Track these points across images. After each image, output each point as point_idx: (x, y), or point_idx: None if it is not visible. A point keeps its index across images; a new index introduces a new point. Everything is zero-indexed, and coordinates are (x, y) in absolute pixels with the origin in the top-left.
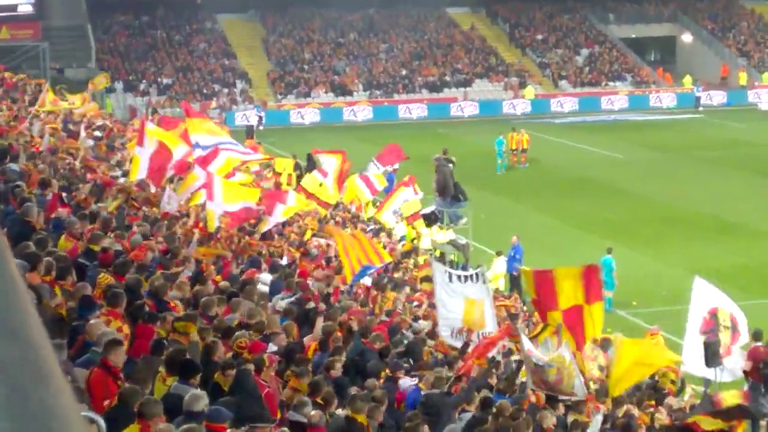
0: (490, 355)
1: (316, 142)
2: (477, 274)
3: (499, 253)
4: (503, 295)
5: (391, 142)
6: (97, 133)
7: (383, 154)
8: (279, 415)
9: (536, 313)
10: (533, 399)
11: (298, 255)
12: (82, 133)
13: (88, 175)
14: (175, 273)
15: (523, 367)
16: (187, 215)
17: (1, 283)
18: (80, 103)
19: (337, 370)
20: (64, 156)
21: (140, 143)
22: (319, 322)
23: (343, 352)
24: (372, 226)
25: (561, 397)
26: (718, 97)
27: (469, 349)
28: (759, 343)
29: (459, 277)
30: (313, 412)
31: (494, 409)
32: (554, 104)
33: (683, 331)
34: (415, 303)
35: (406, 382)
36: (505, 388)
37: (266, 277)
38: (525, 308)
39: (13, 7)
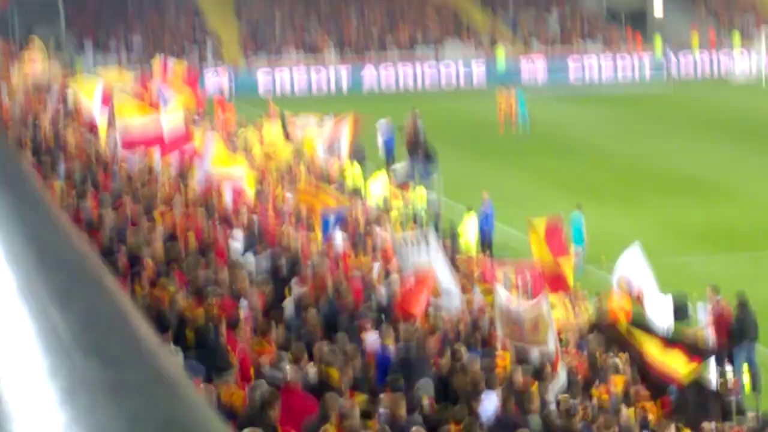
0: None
1: (286, 107)
2: (422, 237)
3: (469, 210)
4: (474, 252)
5: (363, 102)
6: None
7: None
8: (253, 372)
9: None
10: (500, 360)
11: (270, 211)
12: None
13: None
14: (149, 230)
15: (496, 319)
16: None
17: (126, 306)
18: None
19: (312, 326)
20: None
21: (105, 102)
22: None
23: (314, 309)
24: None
25: (529, 347)
26: (689, 60)
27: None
28: (719, 297)
29: (409, 241)
30: (288, 368)
31: (463, 364)
32: (525, 64)
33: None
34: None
35: (372, 337)
36: (475, 342)
37: (238, 233)
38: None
39: None
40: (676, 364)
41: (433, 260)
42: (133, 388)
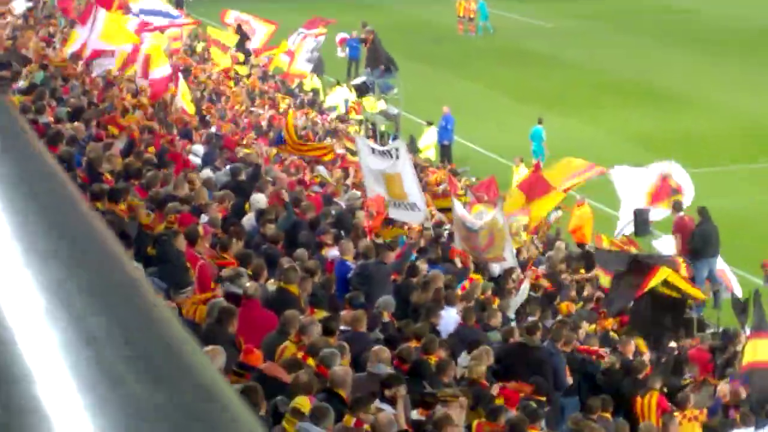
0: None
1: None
2: (392, 150)
3: (429, 123)
4: (435, 166)
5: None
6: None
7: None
8: (213, 286)
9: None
10: (459, 263)
11: (228, 126)
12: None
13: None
14: (107, 144)
15: (455, 232)
16: (119, 87)
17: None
18: None
19: (272, 237)
20: None
21: (82, 22)
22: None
23: (273, 223)
24: (301, 97)
25: (488, 264)
26: None
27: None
28: (681, 213)
29: (377, 151)
30: (248, 284)
31: (424, 279)
32: None
33: (612, 201)
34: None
35: (333, 253)
36: (436, 257)
37: (198, 148)
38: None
39: None
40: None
41: (402, 172)
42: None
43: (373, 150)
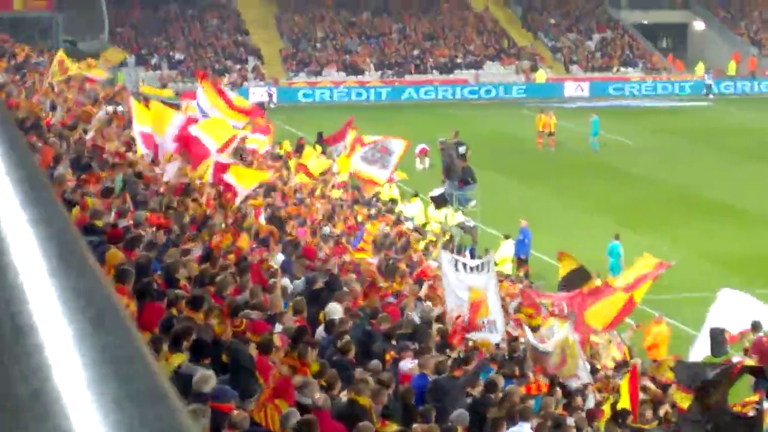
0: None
1: (326, 121)
2: (482, 264)
3: (507, 237)
4: (510, 279)
5: (402, 124)
6: (111, 108)
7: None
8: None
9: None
10: (534, 385)
11: (309, 236)
12: (98, 108)
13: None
14: (185, 251)
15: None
16: (199, 191)
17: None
18: (88, 68)
19: (351, 353)
20: (76, 132)
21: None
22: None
23: (347, 333)
24: (379, 206)
25: (564, 381)
26: (729, 85)
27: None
28: (761, 334)
29: (465, 266)
30: (317, 395)
31: (501, 394)
32: (566, 88)
33: (688, 320)
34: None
35: (407, 365)
36: (510, 372)
37: (278, 257)
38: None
39: None
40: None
41: (488, 288)
42: None
43: (457, 264)
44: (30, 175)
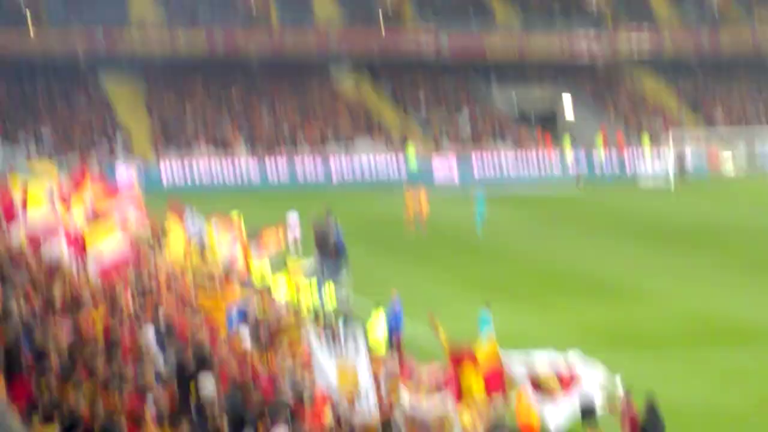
0: None
1: (202, 205)
2: (347, 336)
3: (378, 305)
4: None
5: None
6: None
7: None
8: None
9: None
10: None
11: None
12: None
13: None
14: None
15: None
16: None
17: None
18: None
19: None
20: None
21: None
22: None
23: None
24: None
25: None
26: (597, 160)
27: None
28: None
29: (330, 339)
30: None
31: None
32: (436, 164)
33: None
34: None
35: None
36: None
37: (149, 332)
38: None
39: None
40: None
41: (358, 360)
42: None
43: (325, 340)
44: None
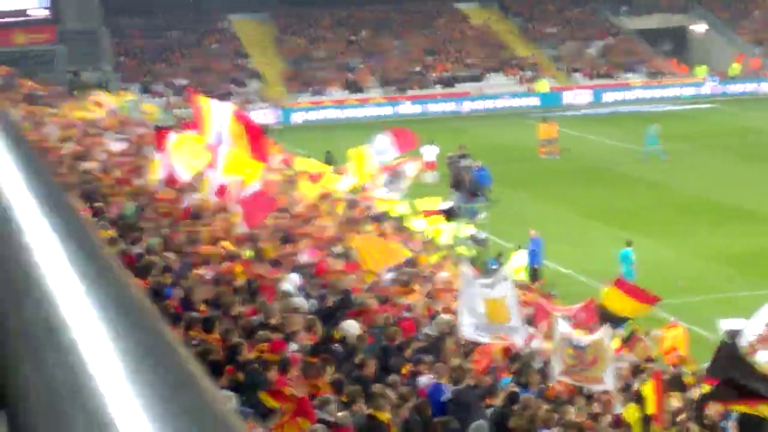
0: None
1: (331, 139)
2: (498, 277)
3: (519, 247)
4: (527, 287)
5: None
6: (119, 144)
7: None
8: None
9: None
10: (556, 389)
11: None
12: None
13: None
14: (199, 274)
15: (551, 356)
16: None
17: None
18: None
19: (369, 368)
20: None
21: (159, 149)
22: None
23: (362, 349)
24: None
25: (586, 385)
26: (732, 87)
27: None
28: None
29: (482, 282)
30: (339, 413)
31: (520, 404)
32: (568, 97)
33: (703, 321)
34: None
35: (424, 380)
36: (527, 380)
37: (294, 276)
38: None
39: (23, 12)
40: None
41: (508, 295)
42: None
43: (477, 280)
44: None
